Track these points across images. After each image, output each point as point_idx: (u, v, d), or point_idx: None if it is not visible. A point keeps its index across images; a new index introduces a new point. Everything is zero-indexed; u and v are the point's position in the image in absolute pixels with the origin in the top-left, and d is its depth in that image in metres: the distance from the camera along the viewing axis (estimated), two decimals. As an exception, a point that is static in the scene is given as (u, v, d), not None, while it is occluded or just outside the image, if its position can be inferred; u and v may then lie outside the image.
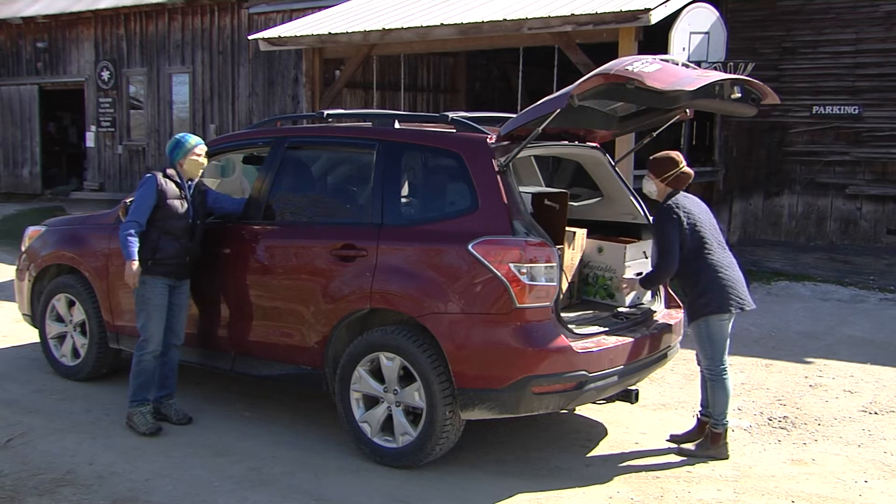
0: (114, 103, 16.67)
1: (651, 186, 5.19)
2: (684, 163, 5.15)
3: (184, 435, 5.35)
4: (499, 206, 4.67)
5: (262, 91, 14.72)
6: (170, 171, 5.39)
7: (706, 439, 5.13)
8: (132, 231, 5.23)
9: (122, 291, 6.02)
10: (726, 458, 5.07)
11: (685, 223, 4.97)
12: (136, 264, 5.19)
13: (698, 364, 5.27)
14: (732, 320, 5.14)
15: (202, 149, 5.44)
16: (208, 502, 4.46)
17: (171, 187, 5.32)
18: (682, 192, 5.16)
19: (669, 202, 5.06)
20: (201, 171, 5.50)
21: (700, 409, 5.32)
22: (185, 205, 5.36)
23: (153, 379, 5.40)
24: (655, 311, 5.44)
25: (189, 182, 5.45)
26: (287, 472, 4.82)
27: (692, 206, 5.09)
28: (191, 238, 5.39)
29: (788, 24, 11.45)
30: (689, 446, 5.19)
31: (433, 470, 4.82)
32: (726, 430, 5.09)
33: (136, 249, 5.21)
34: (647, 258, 5.59)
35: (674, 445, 5.27)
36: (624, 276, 5.39)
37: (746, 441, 5.43)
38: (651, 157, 5.23)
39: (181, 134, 5.52)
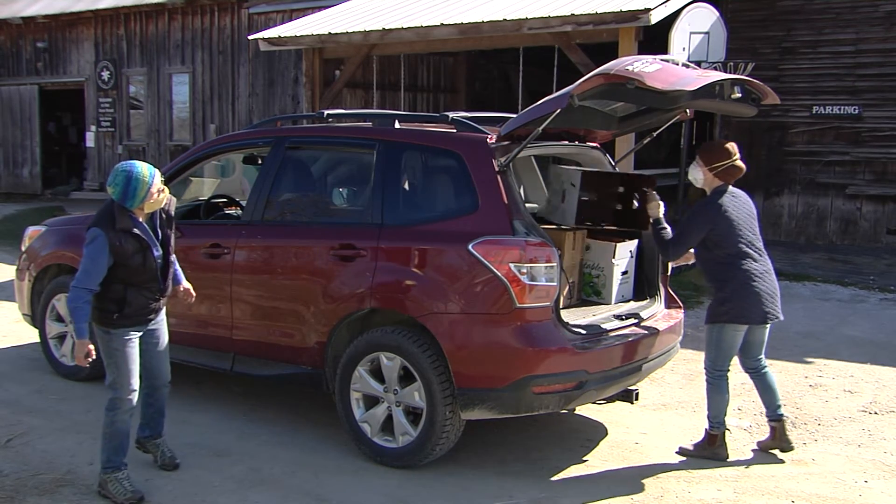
0: (114, 103, 16.69)
1: (698, 174, 5.04)
2: (738, 155, 4.97)
3: (184, 435, 5.35)
4: (499, 206, 4.67)
5: (262, 91, 14.72)
6: (123, 224, 4.28)
7: (707, 440, 5.12)
8: (83, 299, 4.24)
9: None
10: (725, 458, 5.05)
11: (720, 227, 4.87)
12: (88, 345, 4.25)
13: (747, 371, 5.24)
14: (769, 327, 5.06)
15: (158, 181, 4.36)
16: (208, 502, 4.46)
17: (129, 243, 4.29)
18: (730, 191, 5.01)
19: (716, 202, 4.91)
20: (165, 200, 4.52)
21: (767, 414, 5.26)
22: (151, 258, 4.41)
23: (128, 440, 4.54)
24: (655, 312, 5.44)
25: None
26: (287, 472, 4.82)
27: (736, 211, 4.95)
28: (165, 277, 4.55)
29: (788, 24, 11.45)
30: (688, 446, 5.19)
31: (433, 470, 4.82)
32: (723, 433, 5.08)
33: (86, 325, 4.26)
34: (632, 257, 5.60)
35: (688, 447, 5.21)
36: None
37: (746, 441, 5.43)
38: (703, 144, 4.98)
39: (127, 168, 4.28)
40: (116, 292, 4.37)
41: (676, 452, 5.18)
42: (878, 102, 10.96)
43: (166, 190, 4.44)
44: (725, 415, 5.08)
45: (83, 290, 4.26)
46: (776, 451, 5.16)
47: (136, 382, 4.49)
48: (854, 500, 4.60)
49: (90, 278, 4.26)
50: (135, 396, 4.49)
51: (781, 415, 5.15)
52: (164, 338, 4.73)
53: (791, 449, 5.13)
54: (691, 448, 5.15)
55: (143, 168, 4.30)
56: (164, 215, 4.52)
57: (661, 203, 5.14)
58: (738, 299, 4.90)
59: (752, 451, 5.25)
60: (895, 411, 6.01)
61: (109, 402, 4.49)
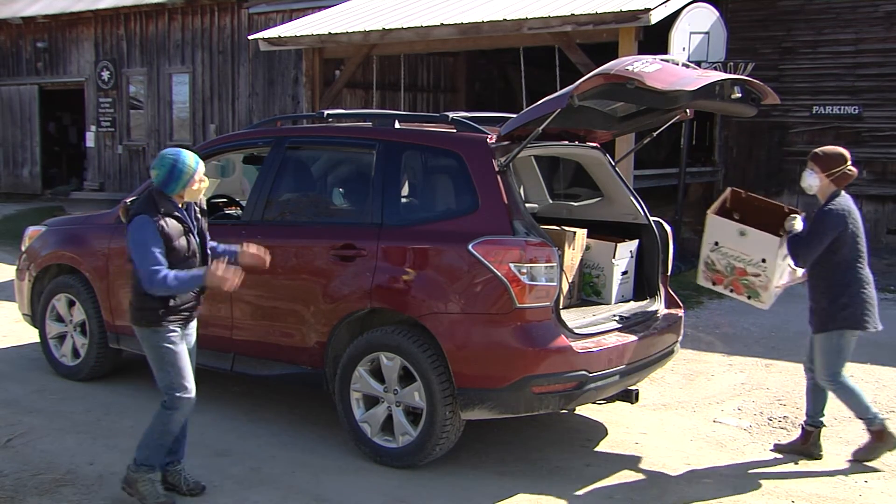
0: (114, 103, 16.68)
1: (813, 181, 4.97)
2: (851, 160, 4.99)
3: (184, 435, 5.35)
4: (499, 206, 4.67)
5: (262, 91, 14.72)
6: (165, 207, 4.23)
7: (873, 439, 5.01)
8: (163, 276, 4.08)
9: (122, 291, 6.02)
10: (893, 448, 5.00)
11: (848, 232, 4.86)
12: (218, 266, 4.14)
13: (808, 372, 5.19)
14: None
15: (202, 171, 4.31)
16: (208, 502, 4.46)
17: (172, 226, 4.22)
18: (844, 194, 4.98)
19: (842, 206, 4.89)
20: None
21: (805, 418, 5.22)
22: (193, 241, 4.35)
23: (170, 443, 4.45)
24: (656, 312, 5.44)
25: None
26: (287, 472, 4.82)
27: (858, 216, 4.95)
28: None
29: (788, 24, 11.45)
30: (862, 452, 5.04)
31: (433, 470, 4.82)
32: (883, 425, 5.00)
33: (185, 273, 4.16)
34: (632, 257, 5.60)
35: (778, 454, 5.19)
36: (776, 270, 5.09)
37: (746, 441, 5.43)
38: (817, 150, 5.03)
39: (173, 154, 4.24)
40: None
41: (771, 450, 5.20)
42: (878, 102, 10.96)
43: (206, 180, 4.36)
44: (868, 404, 5.03)
45: (155, 273, 4.08)
46: (800, 455, 5.14)
47: (193, 379, 4.39)
48: (854, 500, 4.60)
49: (152, 259, 4.09)
50: (194, 394, 4.39)
51: (822, 422, 5.15)
52: (193, 340, 4.57)
53: (819, 458, 5.09)
54: (862, 449, 5.06)
55: (189, 156, 4.25)
56: (197, 208, 4.44)
57: (799, 217, 5.07)
58: (857, 304, 4.90)
59: (770, 451, 5.27)
60: (895, 411, 6.01)
61: (169, 400, 4.33)
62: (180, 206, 4.31)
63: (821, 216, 4.90)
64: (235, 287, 4.18)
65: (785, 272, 5.22)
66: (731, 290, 5.29)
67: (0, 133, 18.49)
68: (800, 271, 5.17)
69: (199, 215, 4.44)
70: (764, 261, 5.09)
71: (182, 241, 4.26)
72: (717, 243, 5.29)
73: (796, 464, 5.06)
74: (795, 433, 5.54)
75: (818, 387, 5.13)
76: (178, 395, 4.33)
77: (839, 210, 4.88)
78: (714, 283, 5.39)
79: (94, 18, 16.66)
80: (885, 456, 5.16)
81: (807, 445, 5.15)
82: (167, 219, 4.20)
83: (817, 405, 5.17)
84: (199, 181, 4.28)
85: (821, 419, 5.16)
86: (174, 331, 4.33)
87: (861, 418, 5.04)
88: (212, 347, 5.65)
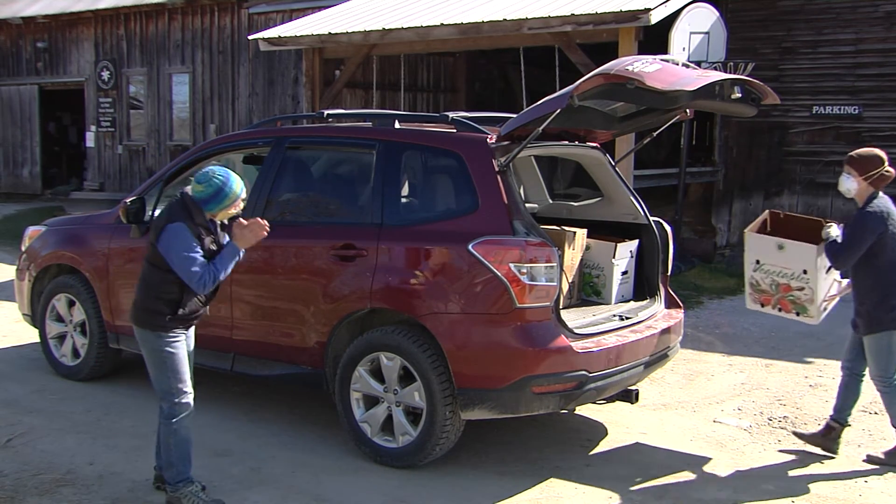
0: (114, 103, 16.68)
1: (851, 184, 4.96)
2: (887, 161, 4.97)
3: (184, 435, 5.35)
4: (499, 206, 4.67)
5: (262, 91, 14.72)
6: (199, 219, 4.21)
7: None
8: (205, 271, 4.10)
9: (122, 291, 6.02)
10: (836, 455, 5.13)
11: (888, 233, 4.84)
12: (238, 224, 4.17)
13: (844, 370, 5.24)
14: None
15: (243, 195, 4.33)
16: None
17: (203, 241, 4.20)
18: (882, 195, 4.96)
19: (881, 209, 4.87)
20: None
21: (833, 413, 5.24)
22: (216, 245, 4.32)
23: (191, 447, 4.41)
24: (655, 312, 5.44)
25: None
26: (287, 472, 4.82)
27: (893, 217, 4.92)
28: (216, 287, 4.37)
29: (788, 24, 11.44)
30: (878, 454, 5.08)
31: (433, 470, 4.82)
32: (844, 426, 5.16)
33: (219, 257, 4.16)
34: (632, 257, 5.60)
35: (790, 455, 5.21)
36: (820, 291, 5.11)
37: (746, 441, 5.43)
38: (854, 153, 5.03)
39: (223, 176, 4.20)
40: (172, 294, 4.21)
41: (864, 461, 5.10)
42: (878, 102, 10.95)
43: (242, 205, 4.35)
44: None
45: (203, 274, 4.08)
46: (816, 449, 5.22)
47: (190, 383, 4.35)
48: (854, 500, 4.60)
49: (193, 261, 4.08)
50: (192, 398, 4.35)
51: (848, 421, 5.19)
52: (192, 344, 4.54)
53: (834, 455, 5.15)
54: (882, 456, 5.06)
55: (237, 181, 4.22)
56: (219, 222, 4.39)
57: (836, 224, 5.07)
58: None
59: (792, 433, 5.44)
60: None
61: (167, 410, 4.28)
62: (209, 219, 4.29)
63: (860, 218, 4.87)
64: (265, 233, 4.16)
65: (833, 285, 5.21)
66: (780, 310, 5.25)
67: (0, 133, 18.48)
68: (845, 281, 5.17)
69: (220, 228, 4.39)
70: (805, 272, 5.06)
71: (210, 242, 4.24)
72: (758, 262, 5.25)
73: (799, 462, 5.06)
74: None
75: (851, 385, 5.18)
76: (176, 400, 4.30)
77: (878, 212, 4.86)
78: (762, 305, 5.33)
79: (94, 18, 16.66)
80: (885, 456, 5.17)
81: (827, 440, 5.18)
82: (200, 230, 4.19)
83: (846, 403, 5.19)
84: (237, 206, 4.28)
85: (847, 417, 5.19)
86: (178, 336, 4.30)
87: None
88: (212, 347, 5.65)
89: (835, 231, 4.97)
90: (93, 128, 17.06)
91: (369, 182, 5.15)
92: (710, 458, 5.12)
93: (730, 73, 7.95)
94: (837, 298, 5.27)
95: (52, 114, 19.01)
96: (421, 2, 11.66)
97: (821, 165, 11.29)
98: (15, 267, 7.01)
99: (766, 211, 5.57)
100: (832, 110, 11.22)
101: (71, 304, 6.38)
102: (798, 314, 5.21)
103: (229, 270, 4.19)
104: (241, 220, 4.30)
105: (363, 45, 11.22)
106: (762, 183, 11.71)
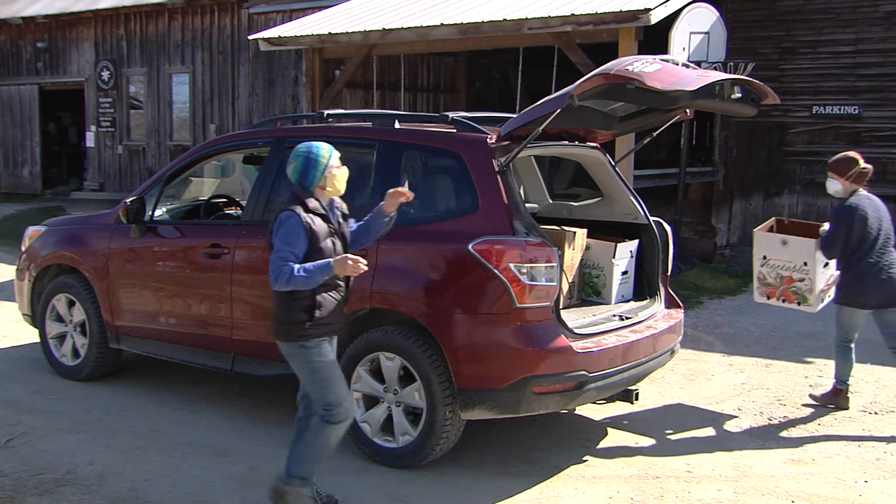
0: (114, 103, 16.68)
1: (837, 186, 5.78)
2: (863, 160, 5.77)
3: (184, 435, 5.35)
4: (499, 206, 4.67)
5: (262, 91, 14.72)
6: (312, 204, 4.03)
7: (833, 394, 5.99)
8: (293, 270, 3.86)
9: (122, 291, 6.03)
10: (847, 409, 5.92)
11: (856, 225, 5.58)
12: (346, 259, 3.87)
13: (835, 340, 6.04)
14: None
15: (336, 159, 4.15)
16: (208, 502, 4.46)
17: (319, 225, 4.01)
18: (864, 193, 5.77)
19: (853, 203, 5.66)
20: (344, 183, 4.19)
21: (835, 379, 6.04)
22: (338, 244, 4.11)
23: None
24: (655, 312, 5.44)
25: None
26: (287, 472, 4.81)
27: (871, 210, 5.69)
28: (348, 281, 4.19)
29: (788, 24, 11.45)
30: (817, 395, 6.07)
31: (433, 470, 4.82)
32: (847, 388, 5.96)
33: (312, 264, 3.90)
34: (632, 257, 5.60)
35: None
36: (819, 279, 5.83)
37: (746, 441, 5.43)
38: (831, 160, 5.88)
39: (304, 146, 4.12)
40: (305, 297, 3.99)
41: (809, 396, 6.14)
42: (878, 102, 10.95)
43: (344, 169, 4.14)
44: (848, 376, 5.96)
45: (282, 266, 3.85)
46: (829, 407, 5.96)
47: (346, 392, 4.17)
48: (854, 500, 4.60)
49: (283, 253, 3.88)
50: (349, 408, 4.16)
51: (849, 384, 5.99)
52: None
53: (846, 408, 5.93)
54: (818, 399, 6.03)
55: (322, 146, 4.10)
56: (339, 211, 4.22)
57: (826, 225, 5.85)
58: (859, 286, 5.67)
59: (808, 396, 6.14)
60: (895, 411, 6.01)
61: (330, 415, 4.08)
62: (324, 203, 4.11)
63: (835, 212, 5.74)
64: (359, 272, 3.90)
65: (830, 277, 5.95)
66: (784, 301, 5.97)
67: (0, 133, 18.48)
68: (838, 273, 5.87)
69: (341, 219, 4.21)
70: (806, 264, 5.79)
71: (328, 243, 4.02)
72: (765, 257, 5.97)
73: (796, 464, 5.07)
74: (796, 433, 5.55)
75: (843, 355, 5.94)
76: (335, 411, 4.08)
77: (850, 205, 5.65)
78: (769, 298, 6.04)
79: (94, 18, 16.66)
80: (886, 457, 5.18)
81: (838, 398, 5.96)
82: (314, 216, 4.00)
83: (844, 370, 5.97)
84: (337, 168, 4.10)
85: (847, 380, 5.97)
86: (321, 344, 4.08)
87: (838, 380, 5.98)
88: (212, 347, 5.66)
89: (827, 227, 5.77)
90: (93, 128, 17.06)
91: (369, 182, 5.15)
92: (710, 458, 5.12)
93: (730, 73, 7.95)
94: (834, 288, 5.93)
95: (52, 114, 19.01)
96: (421, 2, 11.66)
97: (821, 165, 11.27)
98: (15, 267, 7.01)
99: (773, 218, 6.28)
100: (832, 110, 11.22)
101: (71, 304, 6.38)
102: (799, 304, 5.93)
103: (313, 284, 3.91)
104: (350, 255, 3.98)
105: (363, 45, 11.22)
106: (762, 183, 11.71)
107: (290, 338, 4.08)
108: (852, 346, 5.88)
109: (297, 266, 3.87)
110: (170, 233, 5.98)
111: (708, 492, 4.66)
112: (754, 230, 6.11)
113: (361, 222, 4.32)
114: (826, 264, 5.85)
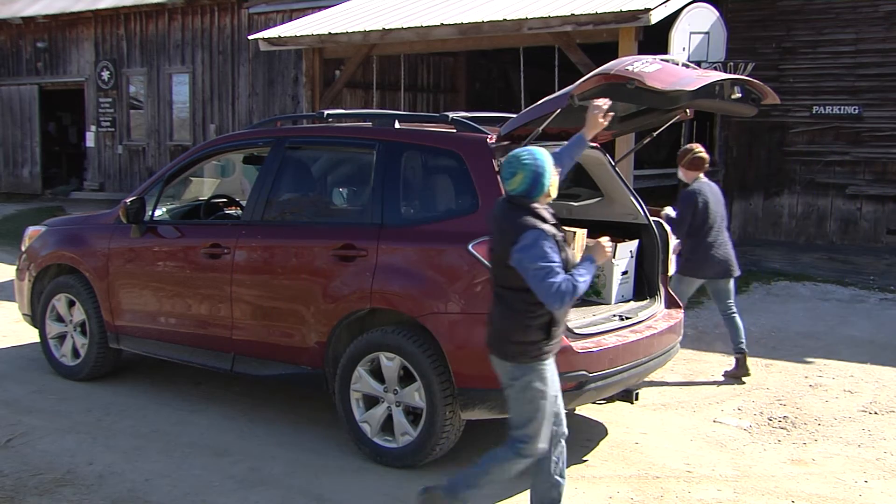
0: (114, 103, 16.67)
1: (680, 174, 6.67)
2: (699, 148, 6.61)
3: (184, 435, 5.35)
4: (499, 206, 4.66)
5: (262, 91, 14.72)
6: (544, 214, 3.74)
7: (736, 366, 6.58)
8: (561, 280, 3.57)
9: (122, 291, 6.03)
10: (748, 374, 6.55)
11: (699, 206, 6.40)
12: (602, 248, 3.73)
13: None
14: (725, 282, 6.64)
15: (552, 163, 3.82)
16: (208, 502, 4.46)
17: (556, 233, 3.73)
18: (705, 180, 6.58)
19: (693, 188, 6.49)
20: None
21: (733, 347, 6.65)
22: (570, 253, 3.83)
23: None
24: (655, 312, 5.44)
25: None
26: (287, 472, 4.82)
27: (710, 195, 6.52)
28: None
29: (788, 24, 11.44)
30: (728, 369, 6.63)
31: (433, 470, 4.82)
32: (745, 355, 6.56)
33: (578, 269, 3.68)
34: (632, 257, 5.60)
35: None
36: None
37: (746, 441, 5.43)
38: (678, 152, 6.71)
39: (528, 156, 3.74)
40: (544, 314, 3.71)
41: (722, 374, 6.69)
42: (878, 102, 10.94)
43: (556, 172, 3.84)
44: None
45: (554, 282, 3.54)
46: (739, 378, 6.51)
47: (549, 429, 3.87)
48: (854, 500, 4.60)
49: (551, 270, 3.56)
50: (547, 447, 3.89)
51: (744, 349, 6.58)
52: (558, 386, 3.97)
53: (747, 375, 6.55)
54: (722, 377, 6.61)
55: (541, 152, 3.75)
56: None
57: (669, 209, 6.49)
58: (694, 258, 6.50)
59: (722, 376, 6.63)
60: (895, 411, 6.01)
61: (518, 448, 3.81)
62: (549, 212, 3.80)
63: (680, 197, 6.56)
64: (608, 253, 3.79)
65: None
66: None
67: (0, 133, 18.48)
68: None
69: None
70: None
71: (564, 255, 3.73)
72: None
73: (796, 464, 5.07)
74: (796, 433, 5.55)
75: (729, 322, 6.67)
76: (530, 445, 3.80)
77: (692, 189, 6.49)
78: None
79: (94, 18, 16.65)
80: (886, 457, 5.18)
81: (742, 369, 6.56)
82: (552, 228, 3.72)
83: (735, 336, 6.61)
84: (555, 175, 3.81)
85: (741, 345, 6.58)
86: (551, 365, 3.82)
87: (734, 349, 6.61)
88: (212, 347, 5.66)
89: (670, 210, 6.41)
90: (93, 128, 17.06)
91: (369, 182, 5.15)
92: (710, 458, 5.12)
93: (730, 73, 7.95)
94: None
95: (52, 114, 19.01)
96: (421, 2, 11.66)
97: (821, 165, 11.29)
98: (15, 267, 7.01)
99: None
100: (832, 110, 11.21)
101: (71, 304, 6.38)
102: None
103: (586, 286, 3.68)
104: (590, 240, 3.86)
105: (363, 45, 11.22)
106: (762, 183, 11.70)
107: (523, 359, 3.76)
108: (734, 314, 6.64)
109: (569, 278, 3.60)
110: (170, 233, 5.98)
111: (708, 492, 4.66)
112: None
113: (562, 147, 4.18)
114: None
